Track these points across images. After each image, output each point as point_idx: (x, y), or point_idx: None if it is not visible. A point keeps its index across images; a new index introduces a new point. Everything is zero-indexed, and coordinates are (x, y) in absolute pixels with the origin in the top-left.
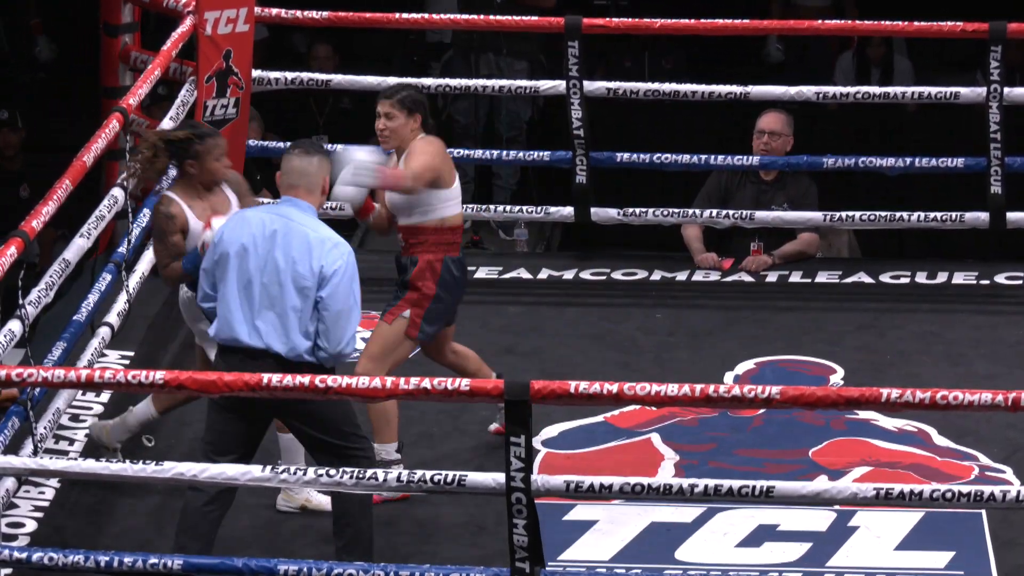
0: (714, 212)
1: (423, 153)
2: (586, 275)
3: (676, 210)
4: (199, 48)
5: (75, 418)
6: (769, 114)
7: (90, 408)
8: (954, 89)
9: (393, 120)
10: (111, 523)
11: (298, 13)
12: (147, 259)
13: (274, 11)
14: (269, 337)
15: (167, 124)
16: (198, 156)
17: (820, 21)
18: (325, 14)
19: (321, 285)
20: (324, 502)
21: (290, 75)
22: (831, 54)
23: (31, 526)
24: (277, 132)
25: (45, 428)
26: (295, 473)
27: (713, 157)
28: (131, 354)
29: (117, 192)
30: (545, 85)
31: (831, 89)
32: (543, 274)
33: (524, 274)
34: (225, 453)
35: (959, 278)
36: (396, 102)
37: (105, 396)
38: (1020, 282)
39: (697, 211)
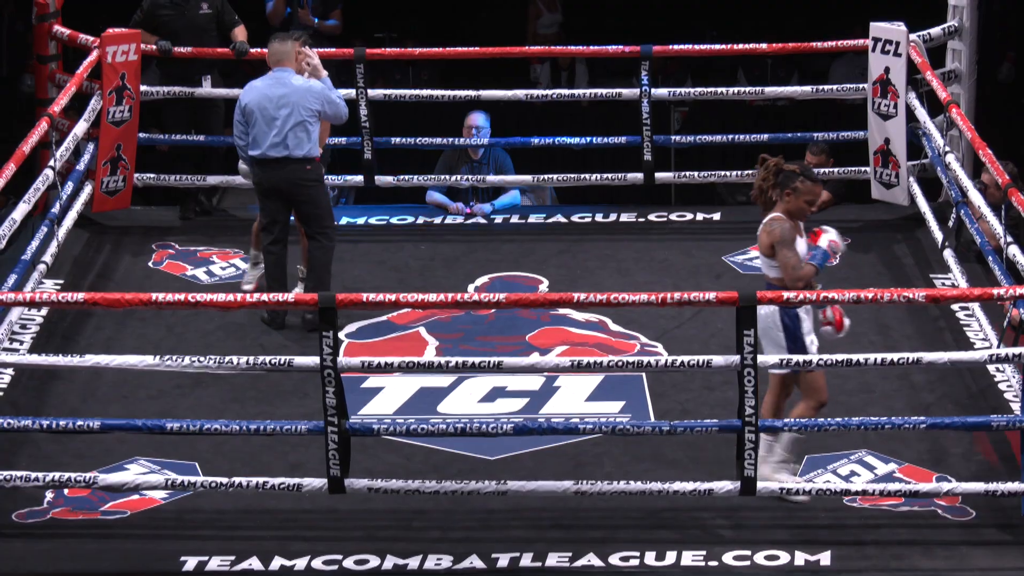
0: (450, 178)
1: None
2: (372, 220)
3: (432, 176)
4: (103, 72)
5: (23, 326)
6: (475, 113)
7: (33, 319)
8: (618, 90)
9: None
10: (51, 397)
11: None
12: (71, 217)
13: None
14: None
15: (81, 124)
16: (795, 191)
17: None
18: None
19: None
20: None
21: (166, 89)
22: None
23: None
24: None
25: (2, 334)
26: (178, 360)
27: (453, 140)
28: (61, 282)
29: (48, 171)
30: (342, 92)
31: (536, 92)
32: (342, 220)
33: None
34: (272, 223)
35: (625, 217)
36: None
37: (45, 311)
38: (664, 219)
39: (442, 176)
